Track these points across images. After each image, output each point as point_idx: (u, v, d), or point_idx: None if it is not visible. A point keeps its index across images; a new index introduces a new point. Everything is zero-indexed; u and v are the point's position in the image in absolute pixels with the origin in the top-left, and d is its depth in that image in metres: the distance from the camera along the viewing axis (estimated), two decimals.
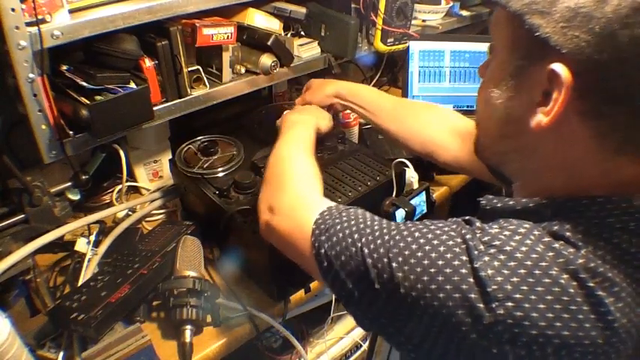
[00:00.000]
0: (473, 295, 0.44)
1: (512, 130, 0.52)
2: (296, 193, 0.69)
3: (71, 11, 0.78)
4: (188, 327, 0.80)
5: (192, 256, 0.88)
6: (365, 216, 0.58)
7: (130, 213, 1.07)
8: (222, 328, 0.86)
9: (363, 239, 0.54)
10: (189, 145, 1.06)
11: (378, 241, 0.52)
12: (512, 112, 0.51)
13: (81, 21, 0.78)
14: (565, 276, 0.44)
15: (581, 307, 0.43)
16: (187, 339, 0.80)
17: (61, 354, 0.79)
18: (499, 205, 0.54)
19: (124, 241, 1.00)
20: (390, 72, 1.65)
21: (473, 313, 0.44)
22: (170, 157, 1.16)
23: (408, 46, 1.33)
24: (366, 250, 0.52)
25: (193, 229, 0.98)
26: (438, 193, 1.19)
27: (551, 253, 0.45)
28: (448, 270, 0.46)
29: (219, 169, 0.98)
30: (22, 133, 0.85)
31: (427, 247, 0.49)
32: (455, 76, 1.40)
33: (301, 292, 0.94)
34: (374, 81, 1.60)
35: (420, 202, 0.97)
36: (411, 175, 1.01)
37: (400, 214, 0.92)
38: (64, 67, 0.84)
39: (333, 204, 0.64)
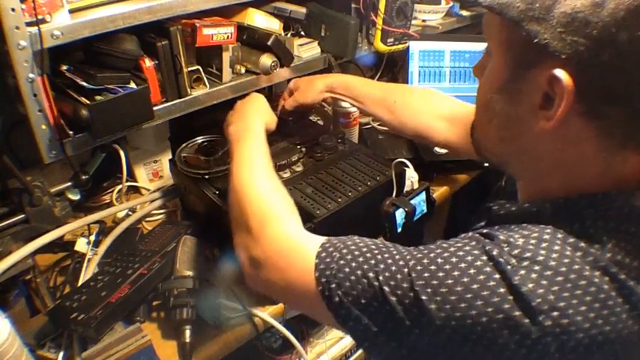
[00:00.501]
0: (516, 313, 0.44)
1: (512, 133, 0.52)
2: (278, 237, 0.62)
3: (71, 11, 0.78)
4: (188, 327, 0.80)
5: (192, 256, 0.88)
6: (368, 246, 0.54)
7: (130, 213, 1.07)
8: (222, 328, 0.86)
9: (380, 277, 0.50)
10: (189, 145, 1.06)
11: (398, 276, 0.49)
12: (512, 116, 0.51)
13: (81, 21, 0.78)
14: (597, 273, 0.45)
15: (616, 300, 0.44)
16: (187, 339, 0.80)
17: (61, 354, 0.79)
18: (513, 209, 0.54)
19: (124, 241, 1.00)
20: (390, 72, 1.65)
21: (519, 330, 0.44)
22: (170, 157, 1.16)
23: (408, 46, 1.33)
24: (386, 289, 0.49)
25: (193, 229, 0.98)
26: (438, 193, 1.19)
27: (579, 253, 0.46)
28: (485, 292, 0.45)
29: (219, 169, 0.98)
30: (22, 133, 0.86)
31: (455, 273, 0.47)
32: (455, 76, 1.40)
33: None
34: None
35: (420, 202, 0.97)
36: (411, 175, 1.01)
37: (400, 214, 0.92)
38: (64, 67, 0.84)
39: (323, 239, 0.58)
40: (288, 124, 1.09)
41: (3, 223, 0.82)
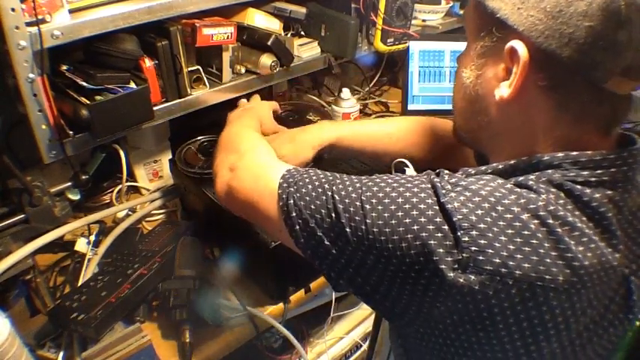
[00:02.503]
0: (445, 227, 0.47)
1: (481, 106, 0.56)
2: (258, 155, 0.70)
3: (71, 11, 0.78)
4: (188, 327, 0.80)
5: (192, 256, 0.88)
6: (333, 173, 0.60)
7: (130, 213, 1.07)
8: (222, 328, 0.86)
9: (334, 187, 0.55)
10: (189, 145, 1.06)
11: (350, 188, 0.54)
12: (480, 88, 0.56)
13: (81, 21, 0.78)
14: (527, 215, 0.46)
15: (542, 242, 0.45)
16: (187, 339, 0.80)
17: (61, 354, 0.79)
18: (472, 172, 0.56)
19: (124, 241, 1.00)
20: (390, 72, 1.65)
21: (445, 242, 0.46)
22: (170, 157, 1.16)
23: (408, 46, 1.33)
24: (337, 197, 0.53)
25: (193, 229, 0.98)
26: None
27: (513, 196, 0.48)
28: (422, 206, 0.49)
29: None
30: (22, 133, 0.85)
31: (401, 189, 0.51)
32: (455, 76, 1.40)
33: (301, 292, 0.93)
34: (374, 81, 1.60)
35: None
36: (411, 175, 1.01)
37: None
38: (64, 67, 0.84)
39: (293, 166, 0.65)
40: (287, 123, 1.09)
41: (3, 223, 0.82)
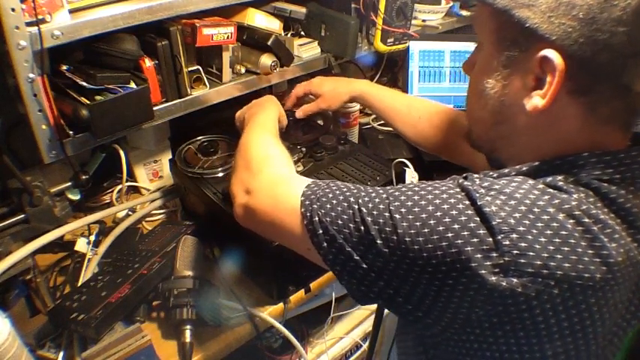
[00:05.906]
0: (481, 231, 0.46)
1: (506, 115, 0.55)
2: (273, 172, 0.68)
3: (71, 11, 0.78)
4: (188, 327, 0.80)
5: (193, 256, 0.88)
6: (355, 184, 0.59)
7: (130, 213, 1.07)
8: (222, 328, 0.86)
9: (360, 200, 0.54)
10: (189, 145, 1.06)
11: (376, 200, 0.53)
12: (507, 99, 0.54)
13: (81, 21, 0.78)
14: (562, 215, 0.46)
15: (579, 241, 0.46)
16: (187, 339, 0.80)
17: (61, 354, 0.79)
18: (495, 175, 0.55)
19: (124, 241, 1.00)
20: (390, 72, 1.65)
21: (481, 247, 0.46)
22: (170, 157, 1.16)
23: (408, 46, 1.33)
24: (364, 210, 0.52)
25: (193, 229, 0.98)
26: None
27: (546, 197, 0.48)
28: (454, 212, 0.48)
29: (219, 169, 0.98)
30: (22, 133, 0.85)
31: (429, 197, 0.50)
32: (455, 76, 1.40)
33: (301, 292, 0.94)
34: (374, 81, 1.60)
35: None
36: (411, 175, 1.01)
37: None
38: (64, 67, 0.84)
39: (314, 180, 0.63)
40: (288, 123, 1.09)
41: (3, 223, 0.82)
